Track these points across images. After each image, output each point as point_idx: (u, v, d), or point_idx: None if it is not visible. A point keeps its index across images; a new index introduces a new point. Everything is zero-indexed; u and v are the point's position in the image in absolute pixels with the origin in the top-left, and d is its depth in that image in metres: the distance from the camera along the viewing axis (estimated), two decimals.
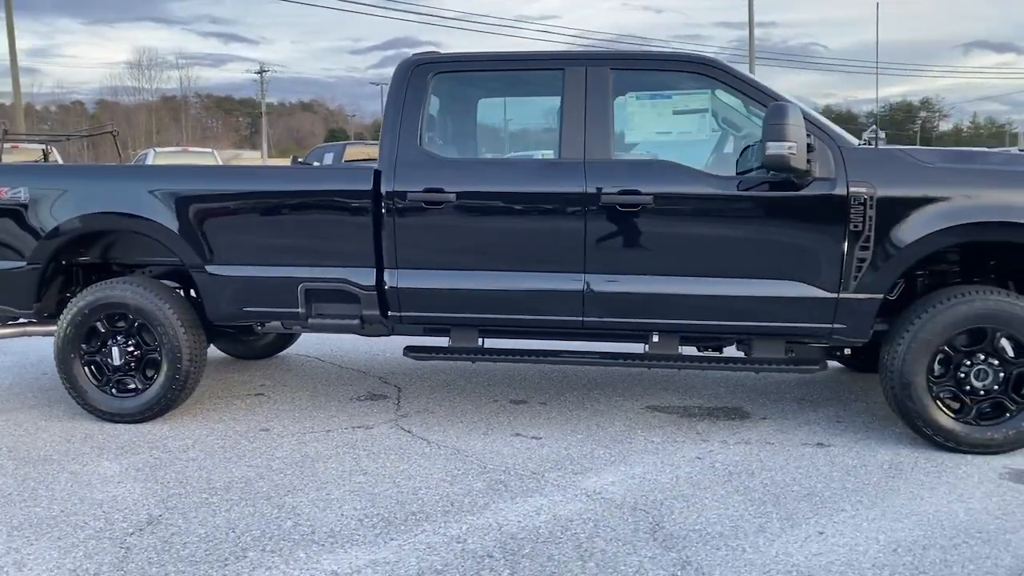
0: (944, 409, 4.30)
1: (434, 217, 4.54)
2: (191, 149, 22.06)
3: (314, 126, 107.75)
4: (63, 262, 5.06)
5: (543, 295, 4.51)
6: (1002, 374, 4.24)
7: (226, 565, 3.22)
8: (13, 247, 4.88)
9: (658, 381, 5.72)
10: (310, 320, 4.73)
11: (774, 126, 3.95)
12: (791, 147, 3.96)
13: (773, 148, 3.96)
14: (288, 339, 6.57)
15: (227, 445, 4.56)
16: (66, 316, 4.88)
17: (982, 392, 4.26)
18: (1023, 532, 3.43)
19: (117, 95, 71.55)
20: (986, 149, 5.53)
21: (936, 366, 4.30)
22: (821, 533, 3.44)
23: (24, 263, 4.87)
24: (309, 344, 6.89)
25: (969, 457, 4.26)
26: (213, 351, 6.47)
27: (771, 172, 4.13)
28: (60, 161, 16.38)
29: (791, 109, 4.00)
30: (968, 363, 4.26)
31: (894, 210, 4.22)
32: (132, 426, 4.87)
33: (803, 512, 3.64)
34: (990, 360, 4.24)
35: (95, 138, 16.14)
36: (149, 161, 18.33)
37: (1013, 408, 4.26)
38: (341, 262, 4.65)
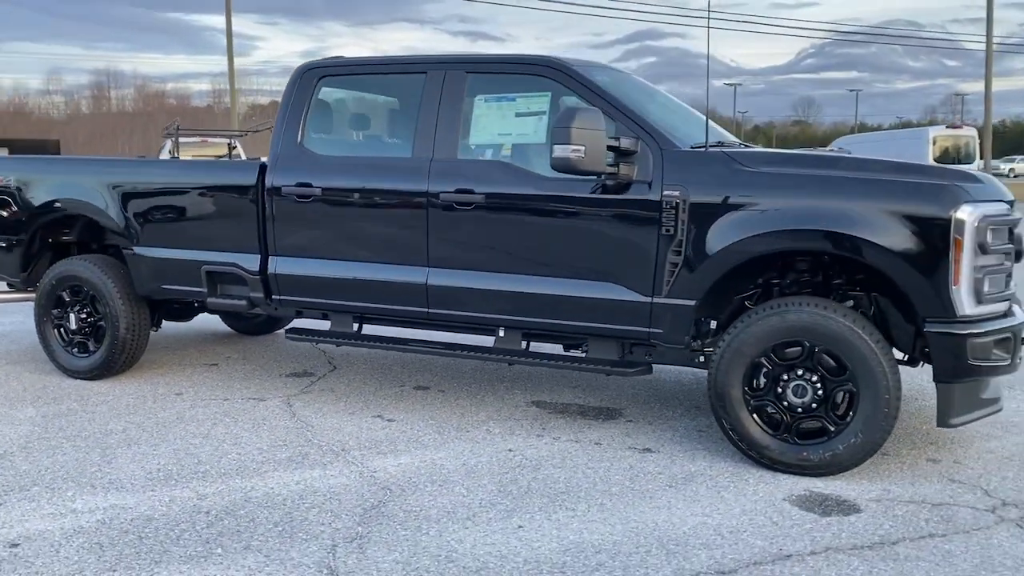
0: (760, 424, 4.13)
1: (304, 209, 4.96)
2: None
3: None
4: (50, 240, 5.97)
5: (394, 286, 4.79)
6: (821, 392, 4.01)
7: (7, 495, 3.84)
8: (3, 225, 5.84)
9: (572, 380, 5.77)
10: (209, 299, 5.30)
11: (559, 129, 4.00)
12: (576, 150, 3.99)
13: (557, 151, 4.01)
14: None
15: (133, 404, 5.23)
16: (40, 286, 5.77)
17: (800, 409, 4.05)
18: (723, 549, 3.32)
19: None
20: (820, 151, 5.08)
21: (762, 379, 4.14)
22: (520, 527, 3.52)
23: (10, 238, 5.81)
24: None
25: (782, 476, 4.06)
26: (221, 326, 7.28)
27: (560, 173, 4.18)
28: (243, 156, 18.28)
29: (580, 113, 4.02)
30: (786, 378, 4.07)
31: (706, 215, 4.12)
32: (82, 382, 5.69)
33: (530, 507, 3.71)
34: (809, 376, 4.03)
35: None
36: None
37: (832, 429, 4.02)
38: (233, 248, 5.18)
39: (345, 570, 3.15)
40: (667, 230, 4.17)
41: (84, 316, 5.70)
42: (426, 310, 4.76)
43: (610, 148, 4.16)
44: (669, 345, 4.33)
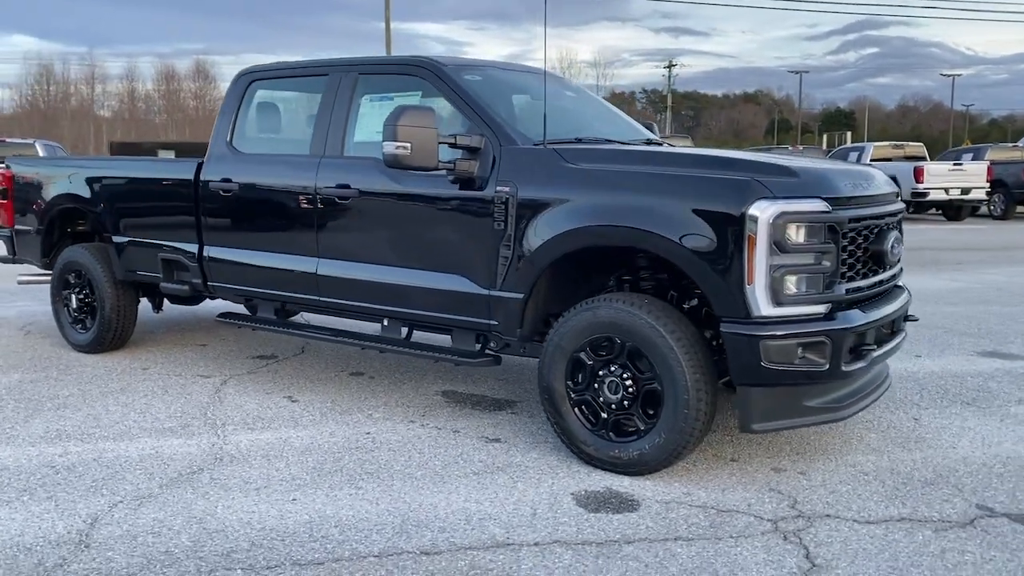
0: (581, 419, 4.13)
1: (227, 202, 5.42)
2: None
3: (756, 117, 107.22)
4: (68, 229, 6.79)
5: (293, 275, 5.15)
6: (632, 389, 3.98)
7: None
8: (29, 214, 6.72)
9: (499, 374, 5.88)
10: (162, 284, 5.88)
11: (387, 127, 4.19)
12: (400, 147, 4.16)
13: (386, 147, 4.20)
14: None
15: (98, 375, 5.90)
16: (54, 270, 6.60)
17: (614, 406, 4.04)
18: (453, 533, 3.41)
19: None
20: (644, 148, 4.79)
21: (585, 374, 4.14)
22: (294, 500, 3.76)
23: (32, 228, 6.68)
24: None
25: (597, 473, 4.06)
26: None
27: (392, 169, 4.36)
28: None
29: (408, 111, 4.18)
30: (602, 374, 4.06)
31: (531, 211, 4.18)
32: (79, 354, 6.46)
33: (324, 484, 3.93)
34: (621, 373, 4.00)
35: None
36: None
37: (642, 427, 3.97)
38: (180, 238, 5.72)
39: (107, 521, 3.53)
40: (499, 225, 4.26)
41: (82, 297, 6.46)
42: (317, 298, 5.08)
43: (451, 145, 4.30)
44: (505, 337, 4.41)
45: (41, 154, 18.97)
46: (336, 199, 4.86)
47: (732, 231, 3.64)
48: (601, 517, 3.58)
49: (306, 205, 5.01)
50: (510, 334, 4.36)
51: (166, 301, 6.73)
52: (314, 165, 4.98)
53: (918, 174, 21.36)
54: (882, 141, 27.21)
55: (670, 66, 70.76)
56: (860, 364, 3.86)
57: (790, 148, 25.11)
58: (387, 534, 3.42)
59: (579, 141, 4.56)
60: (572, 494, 3.82)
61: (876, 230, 4.08)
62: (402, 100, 4.85)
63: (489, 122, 4.41)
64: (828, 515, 3.61)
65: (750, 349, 3.64)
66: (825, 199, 3.72)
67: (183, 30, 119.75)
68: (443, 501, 3.74)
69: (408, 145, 4.16)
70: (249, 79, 5.53)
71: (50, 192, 6.54)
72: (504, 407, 5.14)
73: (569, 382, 4.13)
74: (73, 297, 6.49)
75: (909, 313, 4.62)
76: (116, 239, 6.09)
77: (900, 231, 4.43)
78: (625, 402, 3.99)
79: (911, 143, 25.83)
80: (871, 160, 23.12)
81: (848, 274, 3.89)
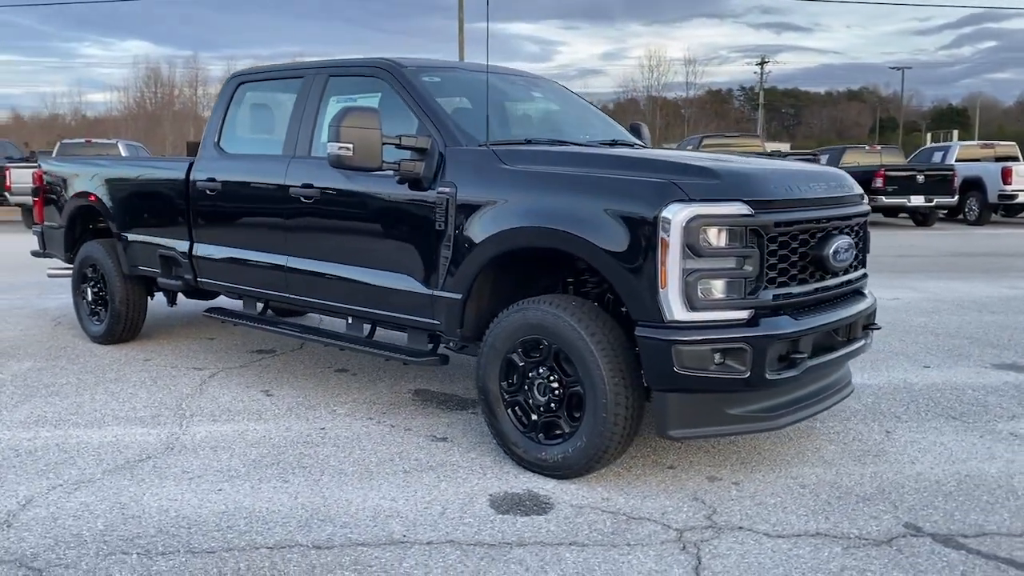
0: (513, 420, 4.13)
1: (212, 201, 5.61)
2: None
3: (860, 116, 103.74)
4: (90, 226, 7.13)
5: (268, 272, 5.29)
6: (559, 391, 3.96)
7: None
8: (57, 212, 7.09)
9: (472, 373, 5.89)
10: (160, 279, 6.12)
11: (330, 128, 4.28)
12: (343, 147, 4.24)
13: (329, 148, 4.29)
14: None
15: (101, 365, 6.19)
16: (74, 264, 6.95)
17: (542, 408, 4.02)
18: (353, 529, 3.47)
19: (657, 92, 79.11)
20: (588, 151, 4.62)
21: (517, 375, 4.14)
22: (219, 490, 3.88)
23: (58, 224, 7.05)
24: None
25: (525, 475, 4.05)
26: None
27: (337, 169, 4.44)
28: None
29: (351, 112, 4.26)
30: (532, 375, 4.05)
31: (467, 212, 4.20)
32: (94, 345, 6.78)
33: (255, 477, 4.03)
34: (550, 375, 3.99)
35: None
36: None
37: (567, 430, 3.95)
38: (174, 235, 5.95)
39: (38, 504, 3.72)
40: (440, 226, 4.30)
41: (97, 290, 6.77)
42: (287, 295, 5.21)
43: (397, 146, 4.36)
44: (448, 337, 4.44)
45: (123, 154, 19.90)
46: (302, 198, 4.98)
47: (646, 234, 3.59)
48: (507, 519, 3.57)
49: (277, 204, 5.14)
50: (451, 334, 4.39)
51: (180, 295, 6.99)
52: (284, 164, 5.11)
53: (1006, 175, 20.33)
54: (994, 140, 25.98)
55: (762, 63, 69.20)
56: (791, 373, 3.74)
57: (867, 148, 24.18)
58: (290, 527, 3.49)
59: (528, 142, 4.55)
60: (490, 495, 3.83)
61: (818, 234, 3.95)
62: (365, 101, 4.92)
63: (436, 123, 4.45)
64: (741, 527, 3.51)
65: (663, 354, 3.58)
66: (748, 202, 3.62)
67: (281, 33, 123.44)
68: (360, 497, 3.80)
69: (350, 146, 4.23)
70: (238, 81, 5.71)
71: (72, 190, 6.88)
72: (468, 407, 5.17)
73: (503, 383, 4.14)
74: (89, 290, 6.81)
75: (872, 321, 4.45)
76: (122, 235, 6.37)
77: (859, 235, 4.28)
78: (552, 404, 3.97)
79: (1003, 142, 24.56)
80: (956, 160, 22.13)
81: (779, 279, 3.78)
